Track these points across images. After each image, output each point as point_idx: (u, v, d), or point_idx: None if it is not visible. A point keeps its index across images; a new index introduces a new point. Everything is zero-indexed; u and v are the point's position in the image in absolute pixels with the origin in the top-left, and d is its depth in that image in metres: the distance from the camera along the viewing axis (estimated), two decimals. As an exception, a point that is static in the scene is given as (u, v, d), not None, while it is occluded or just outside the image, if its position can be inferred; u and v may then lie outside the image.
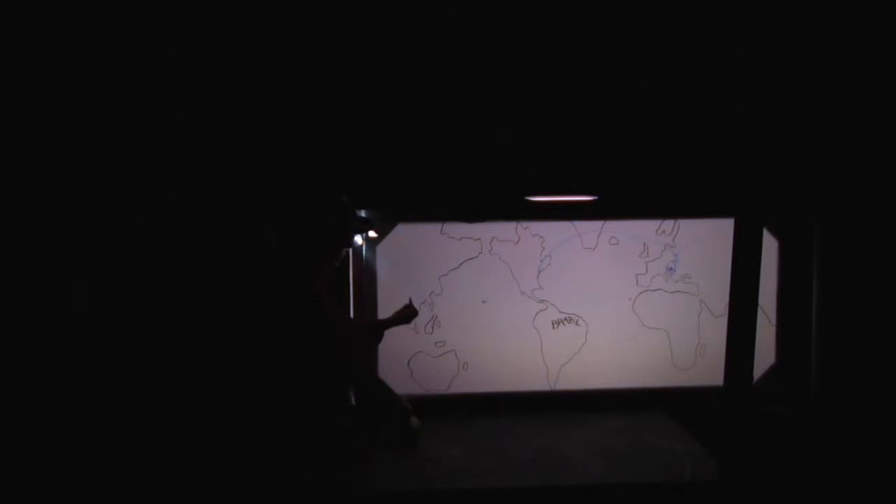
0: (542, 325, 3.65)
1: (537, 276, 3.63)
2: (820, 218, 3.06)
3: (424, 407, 3.38)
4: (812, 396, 3.09)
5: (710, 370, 3.63)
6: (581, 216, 3.61)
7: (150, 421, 2.93)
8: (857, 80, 2.83)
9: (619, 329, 3.66)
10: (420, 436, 3.26)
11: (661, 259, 3.66)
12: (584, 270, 3.64)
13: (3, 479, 2.71)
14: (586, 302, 3.65)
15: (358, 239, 3.23)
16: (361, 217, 3.35)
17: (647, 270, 3.66)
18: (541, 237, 3.63)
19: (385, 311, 3.42)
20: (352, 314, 3.51)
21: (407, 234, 3.59)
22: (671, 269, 3.66)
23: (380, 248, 3.58)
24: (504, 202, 3.45)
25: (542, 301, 3.64)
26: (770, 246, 3.55)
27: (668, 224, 3.65)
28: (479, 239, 3.61)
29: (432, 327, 3.62)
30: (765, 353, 3.58)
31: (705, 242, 3.65)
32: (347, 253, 3.36)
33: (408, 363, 3.62)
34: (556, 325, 3.65)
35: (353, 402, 3.12)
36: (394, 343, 3.41)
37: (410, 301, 3.18)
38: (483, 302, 3.63)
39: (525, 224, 3.61)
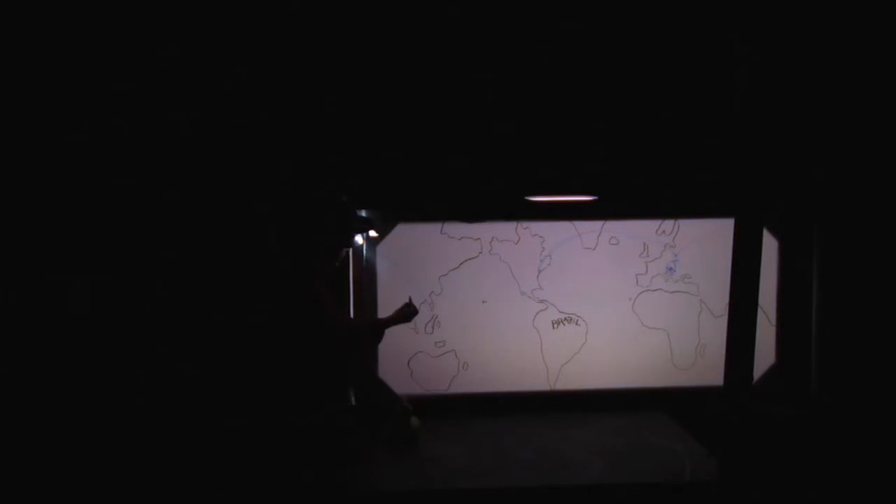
0: (542, 325, 3.65)
1: (537, 276, 3.63)
2: (820, 218, 3.06)
3: (424, 407, 3.38)
4: (812, 396, 3.09)
5: (710, 370, 3.63)
6: (581, 216, 3.61)
7: (151, 421, 2.93)
8: (856, 81, 2.83)
9: (619, 329, 3.66)
10: (420, 436, 3.26)
11: (661, 259, 3.66)
12: (584, 270, 3.64)
13: (3, 479, 2.71)
14: (586, 302, 3.65)
15: (358, 239, 3.23)
16: (361, 217, 3.35)
17: (647, 270, 3.66)
18: (541, 237, 3.63)
19: (385, 310, 3.42)
20: (352, 314, 3.51)
21: (407, 234, 3.59)
22: (671, 269, 3.66)
23: (380, 248, 3.58)
24: (504, 202, 3.45)
25: (542, 301, 3.64)
26: (770, 246, 3.55)
27: (668, 224, 3.65)
28: (479, 239, 3.61)
29: (432, 327, 3.62)
30: (765, 353, 3.58)
31: (705, 242, 3.65)
32: (347, 253, 3.36)
33: (408, 363, 3.62)
34: (556, 325, 3.65)
35: (353, 402, 3.12)
36: (394, 343, 3.41)
37: (410, 300, 3.18)
38: (483, 302, 3.63)
39: (525, 224, 3.61)
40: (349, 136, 3.10)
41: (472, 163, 3.17)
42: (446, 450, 3.14)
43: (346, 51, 3.01)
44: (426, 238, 3.60)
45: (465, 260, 3.61)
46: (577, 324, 3.65)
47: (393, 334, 3.17)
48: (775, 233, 3.59)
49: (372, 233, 3.41)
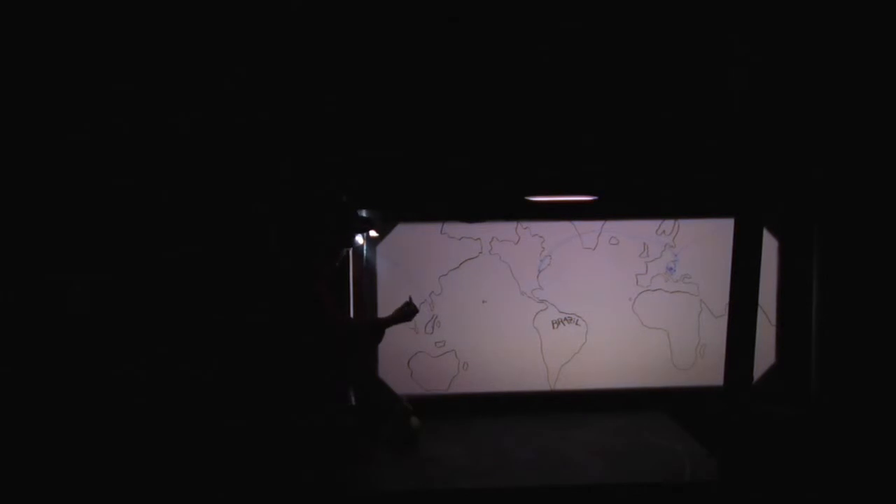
0: (542, 325, 3.65)
1: (537, 276, 3.63)
2: (820, 218, 3.06)
3: (424, 407, 3.38)
4: (812, 396, 3.09)
5: (710, 370, 3.63)
6: (581, 216, 3.61)
7: (150, 421, 2.93)
8: (856, 81, 2.83)
9: (619, 329, 3.66)
10: (420, 436, 3.26)
11: (661, 259, 3.66)
12: (584, 270, 3.64)
13: (3, 479, 2.71)
14: (586, 302, 3.65)
15: (359, 239, 3.23)
16: (362, 217, 3.35)
17: (647, 270, 3.66)
18: (541, 237, 3.63)
19: (385, 310, 3.42)
20: (352, 314, 3.51)
21: (407, 234, 3.59)
22: (671, 269, 3.66)
23: (380, 248, 3.58)
24: (504, 202, 3.45)
25: (542, 301, 3.64)
26: (770, 246, 3.55)
27: (668, 224, 3.65)
28: (479, 239, 3.61)
29: (432, 327, 3.62)
30: (765, 353, 3.58)
31: (705, 242, 3.65)
32: (347, 253, 3.36)
33: (408, 363, 3.62)
34: (556, 325, 3.65)
35: (353, 402, 3.12)
36: (394, 343, 3.41)
37: (410, 299, 3.18)
38: (483, 302, 3.63)
39: (525, 224, 3.61)
40: (349, 136, 3.10)
41: (472, 163, 3.17)
42: (446, 450, 3.14)
43: (345, 51, 3.01)
44: (426, 238, 3.60)
45: (465, 260, 3.61)
46: (577, 324, 3.65)
47: (393, 334, 3.17)
48: (775, 233, 3.59)
49: (372, 233, 3.41)
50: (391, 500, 2.74)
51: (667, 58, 3.05)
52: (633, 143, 3.16)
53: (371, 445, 3.19)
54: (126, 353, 2.95)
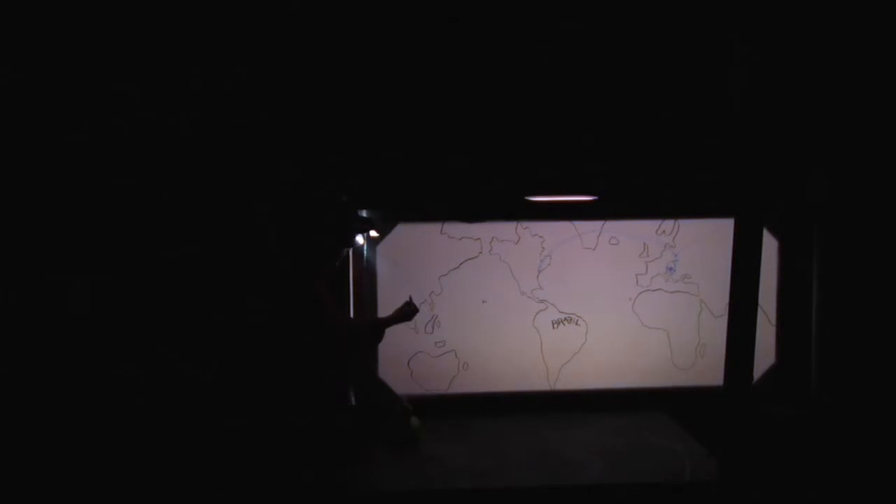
0: (542, 325, 3.65)
1: (537, 276, 3.63)
2: (820, 218, 3.06)
3: (424, 407, 3.38)
4: (812, 396, 3.09)
5: (710, 370, 3.63)
6: (581, 216, 3.60)
7: (150, 421, 2.93)
8: (856, 81, 2.83)
9: (619, 329, 3.66)
10: (420, 436, 3.26)
11: (661, 259, 3.66)
12: (584, 270, 3.64)
13: (3, 479, 2.71)
14: (586, 302, 3.65)
15: (359, 239, 3.23)
16: (362, 217, 3.35)
17: (647, 270, 3.66)
18: (541, 237, 3.62)
19: (385, 310, 3.42)
20: (352, 314, 3.51)
21: (407, 234, 3.59)
22: (671, 269, 3.66)
23: (380, 248, 3.58)
24: (504, 202, 3.45)
25: (542, 301, 3.64)
26: (770, 246, 3.55)
27: (668, 224, 3.65)
28: (479, 239, 3.61)
29: (432, 327, 3.62)
30: (765, 353, 3.58)
31: (705, 242, 3.64)
32: (347, 253, 3.36)
33: (408, 363, 3.62)
34: (556, 325, 3.65)
35: (353, 402, 3.12)
36: (394, 343, 3.41)
37: (410, 298, 3.18)
38: (483, 302, 3.63)
39: (525, 224, 3.61)
40: (349, 136, 3.11)
41: (472, 163, 3.17)
42: (446, 450, 3.14)
43: (345, 51, 3.01)
44: (426, 238, 3.60)
45: (465, 260, 3.61)
46: (577, 324, 3.65)
47: (393, 334, 3.17)
48: (775, 233, 3.59)
49: (372, 233, 3.41)
50: (391, 500, 2.74)
51: (667, 58, 3.06)
52: (633, 143, 3.16)
53: (371, 445, 3.19)
54: (126, 353, 2.95)
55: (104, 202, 2.95)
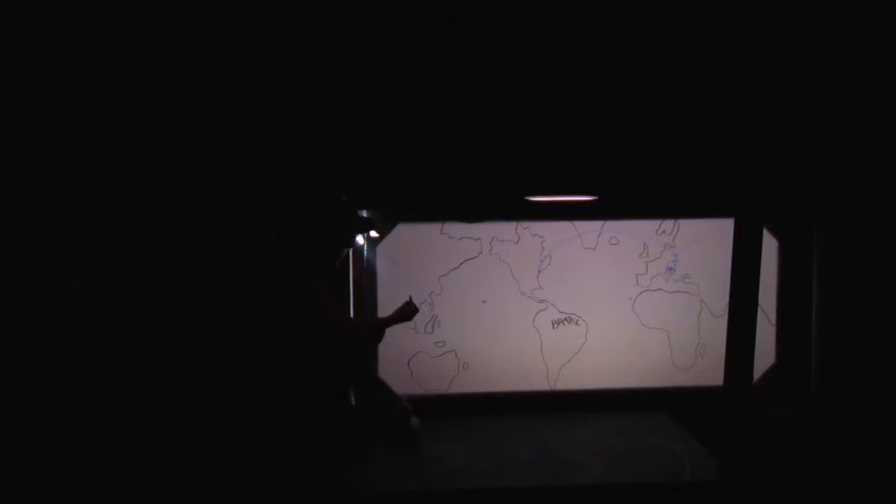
0: (542, 325, 3.65)
1: (537, 276, 3.63)
2: (820, 218, 3.06)
3: (424, 407, 3.38)
4: (812, 396, 3.09)
5: (710, 370, 3.63)
6: (581, 216, 3.60)
7: (150, 421, 2.93)
8: (856, 81, 2.83)
9: (619, 329, 3.66)
10: (420, 436, 3.26)
11: (661, 259, 3.66)
12: (584, 270, 3.64)
13: (3, 479, 2.71)
14: (586, 302, 3.65)
15: (359, 239, 3.23)
16: (362, 217, 3.35)
17: (647, 270, 3.66)
18: (541, 237, 3.63)
19: (385, 311, 3.42)
20: (352, 314, 3.51)
21: (407, 234, 3.59)
22: (671, 269, 3.66)
23: (380, 248, 3.58)
24: (504, 202, 3.45)
25: (542, 301, 3.64)
26: (770, 246, 3.55)
27: (668, 224, 3.65)
28: (479, 239, 3.61)
29: (432, 327, 3.62)
30: (765, 353, 3.58)
31: (705, 242, 3.64)
32: (347, 253, 3.36)
33: (408, 363, 3.62)
34: (556, 325, 3.65)
35: (353, 402, 3.12)
36: (394, 343, 3.41)
37: (410, 298, 3.18)
38: (483, 302, 3.63)
39: (525, 224, 3.61)
40: (349, 136, 3.10)
41: (472, 163, 3.17)
42: (446, 450, 3.14)
43: (345, 51, 3.01)
44: (426, 238, 3.60)
45: (465, 260, 3.61)
46: (577, 324, 3.65)
47: (393, 334, 3.17)
48: (775, 233, 3.59)
49: (372, 233, 3.41)
50: (391, 500, 2.74)
51: (667, 58, 3.05)
52: (633, 143, 3.16)
53: (371, 445, 3.19)
54: (126, 353, 2.95)
55: (104, 202, 2.95)
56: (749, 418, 2.79)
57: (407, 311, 3.12)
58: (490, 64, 3.04)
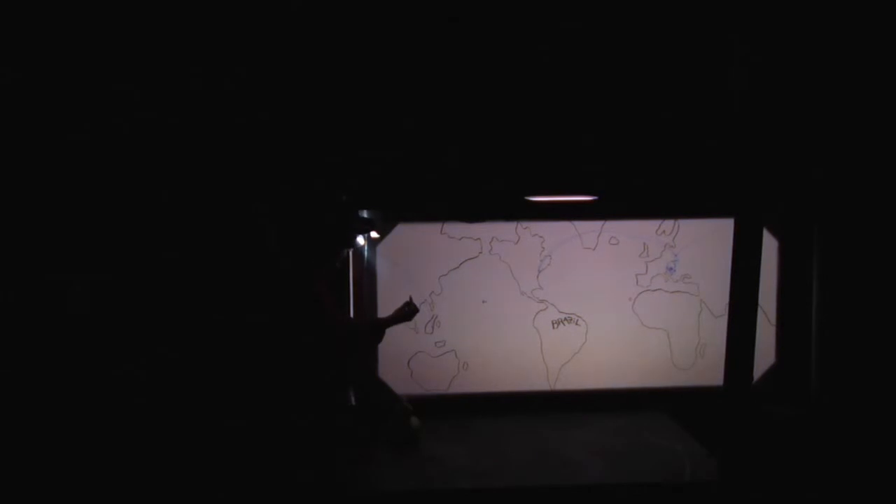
0: (542, 325, 3.65)
1: (537, 276, 3.63)
2: (820, 218, 3.06)
3: (424, 407, 3.38)
4: (812, 396, 3.09)
5: (710, 370, 3.63)
6: (581, 216, 3.61)
7: (150, 421, 2.93)
8: (856, 80, 2.83)
9: (619, 329, 3.66)
10: (420, 436, 3.26)
11: (661, 259, 3.66)
12: (584, 270, 3.64)
13: (3, 479, 2.71)
14: (586, 302, 3.65)
15: (359, 239, 3.23)
16: (362, 217, 3.35)
17: (647, 270, 3.66)
18: (541, 237, 3.63)
19: (385, 311, 3.42)
20: (352, 314, 3.51)
21: (407, 234, 3.59)
22: (671, 269, 3.66)
23: (380, 248, 3.58)
24: (504, 202, 3.45)
25: (542, 301, 3.64)
26: (770, 246, 3.55)
27: (668, 224, 3.65)
28: (479, 239, 3.61)
29: (432, 327, 3.62)
30: (765, 353, 3.58)
31: (705, 242, 3.65)
32: (347, 253, 3.36)
33: (408, 363, 3.62)
34: (556, 325, 3.65)
35: (353, 402, 3.12)
36: (394, 343, 3.41)
37: (410, 298, 3.18)
38: (483, 302, 3.63)
39: (525, 224, 3.61)
40: (349, 136, 3.10)
41: (472, 163, 3.17)
42: (446, 450, 3.14)
43: (345, 51, 3.01)
44: (426, 238, 3.60)
45: (465, 260, 3.61)
46: (577, 324, 3.65)
47: (393, 334, 3.17)
48: (775, 233, 3.59)
49: (372, 233, 3.41)
50: (391, 500, 2.74)
51: (667, 58, 3.05)
52: (633, 143, 3.16)
53: (371, 445, 3.19)
54: (126, 353, 2.95)
55: (104, 202, 2.95)
56: (749, 418, 2.79)
57: (407, 312, 3.13)
58: (490, 64, 3.04)
